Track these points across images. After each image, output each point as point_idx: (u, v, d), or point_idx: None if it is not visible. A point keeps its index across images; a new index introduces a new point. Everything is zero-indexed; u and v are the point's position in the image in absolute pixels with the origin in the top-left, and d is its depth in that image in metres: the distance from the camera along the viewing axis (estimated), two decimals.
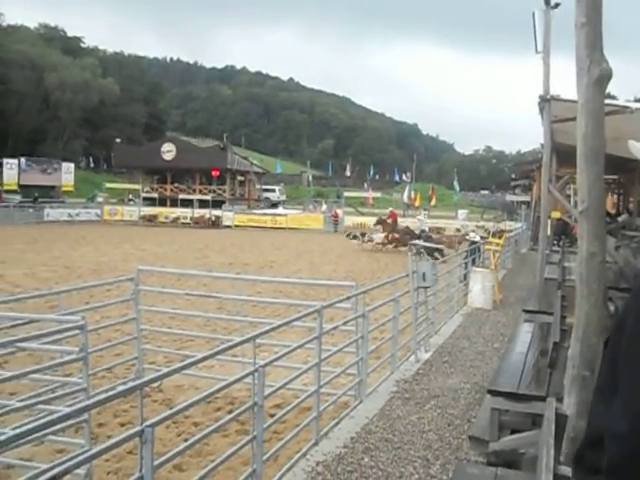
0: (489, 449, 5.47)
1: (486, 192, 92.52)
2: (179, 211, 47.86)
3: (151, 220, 45.60)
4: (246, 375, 4.74)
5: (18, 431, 2.59)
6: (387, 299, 8.87)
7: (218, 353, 4.70)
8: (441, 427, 6.75)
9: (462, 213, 51.45)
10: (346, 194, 56.82)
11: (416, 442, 6.31)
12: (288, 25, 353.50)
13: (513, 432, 5.65)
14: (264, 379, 4.67)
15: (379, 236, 29.91)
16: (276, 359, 5.31)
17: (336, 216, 45.09)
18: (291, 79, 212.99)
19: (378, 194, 59.64)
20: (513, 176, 59.98)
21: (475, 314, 13.42)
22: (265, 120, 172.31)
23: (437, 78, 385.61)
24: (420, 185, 71.12)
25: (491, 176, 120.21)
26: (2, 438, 2.46)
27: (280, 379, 6.05)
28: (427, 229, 32.54)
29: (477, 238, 19.00)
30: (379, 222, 32.28)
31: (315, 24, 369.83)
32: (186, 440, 6.31)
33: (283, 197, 68.59)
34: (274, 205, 59.61)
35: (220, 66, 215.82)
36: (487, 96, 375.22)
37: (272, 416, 5.91)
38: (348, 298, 7.36)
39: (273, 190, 68.59)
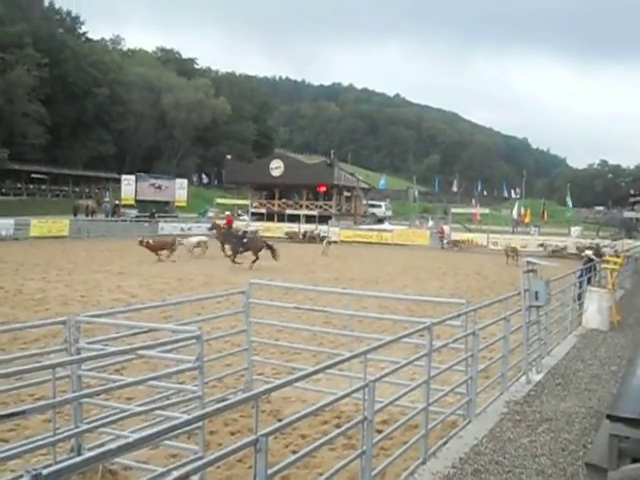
0: (608, 478, 5.20)
1: (601, 208, 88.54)
2: (286, 226, 48.71)
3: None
4: (357, 389, 4.74)
5: (144, 434, 2.71)
6: (497, 317, 8.65)
7: (329, 367, 4.73)
8: (554, 452, 6.49)
9: (575, 230, 49.41)
10: (453, 210, 56.00)
11: (528, 466, 6.09)
12: (395, 41, 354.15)
13: (634, 461, 5.34)
14: (374, 394, 4.66)
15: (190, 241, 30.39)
16: (386, 375, 5.29)
17: (442, 232, 44.46)
18: (397, 95, 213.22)
19: (486, 210, 58.32)
20: (632, 192, 57.10)
21: (590, 335, 12.84)
22: (371, 136, 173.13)
23: (549, 90, 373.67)
24: (530, 201, 68.96)
25: (606, 191, 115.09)
26: (130, 440, 2.58)
27: (386, 395, 6.02)
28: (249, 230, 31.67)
29: (592, 256, 18.21)
30: (213, 227, 32.47)
31: (422, 39, 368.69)
32: (294, 452, 6.39)
33: (389, 213, 68.41)
34: (380, 221, 59.55)
35: (327, 83, 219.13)
36: (602, 108, 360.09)
37: (379, 432, 5.87)
38: (459, 315, 7.23)
39: (379, 206, 68.55)
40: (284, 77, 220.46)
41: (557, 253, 37.38)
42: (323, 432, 7.02)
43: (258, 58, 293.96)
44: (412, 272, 26.26)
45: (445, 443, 6.54)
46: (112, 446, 2.53)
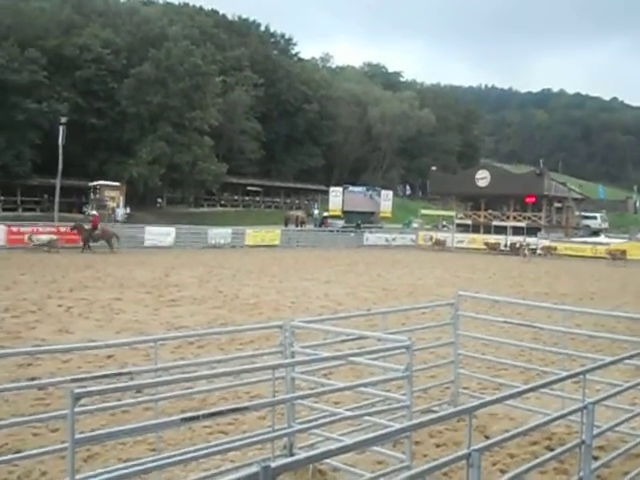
0: None
1: None
2: (493, 238, 47.48)
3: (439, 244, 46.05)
4: (574, 411, 4.49)
5: (361, 439, 2.78)
6: None
7: (544, 385, 4.52)
8: None
9: None
10: None
11: None
12: (611, 42, 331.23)
13: None
14: (594, 417, 4.38)
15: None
16: (607, 397, 4.94)
17: None
18: (614, 98, 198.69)
19: None
20: None
21: None
22: (583, 143, 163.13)
23: None
24: None
25: None
26: (349, 443, 2.66)
27: (602, 419, 5.61)
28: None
29: None
30: (74, 227, 33.02)
31: None
32: (502, 470, 6.18)
33: (605, 225, 63.94)
34: (595, 233, 55.88)
35: (535, 90, 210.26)
36: None
37: (595, 458, 5.49)
38: None
39: (594, 217, 64.34)
40: (490, 86, 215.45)
41: None
42: (532, 453, 6.71)
43: (463, 68, 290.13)
44: (632, 288, 24.30)
45: None
46: (332, 447, 2.63)
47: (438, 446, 7.24)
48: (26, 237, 30.80)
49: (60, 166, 41.67)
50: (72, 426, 3.42)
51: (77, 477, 3.57)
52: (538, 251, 42.37)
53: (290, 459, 2.50)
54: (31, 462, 6.02)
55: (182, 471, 5.80)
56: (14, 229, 32.68)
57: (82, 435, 3.76)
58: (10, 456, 5.88)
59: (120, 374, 5.10)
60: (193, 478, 5.47)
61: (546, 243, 44.11)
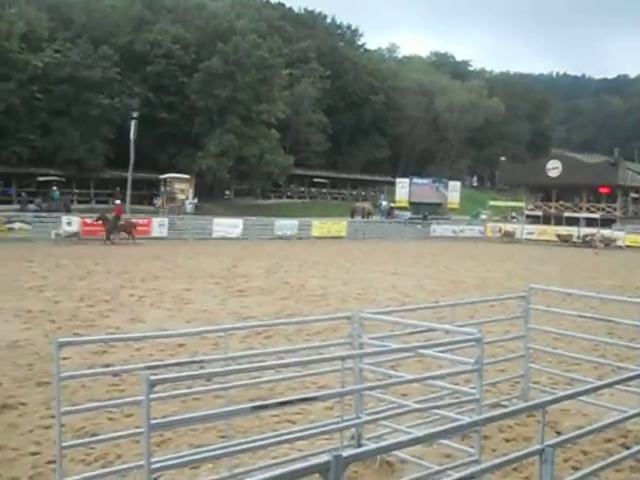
0: None
1: None
2: (564, 229, 46.26)
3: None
4: None
5: (432, 431, 2.77)
6: None
7: (620, 382, 4.38)
8: None
9: None
10: None
11: None
12: None
13: None
14: None
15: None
16: None
17: None
18: None
19: None
20: None
21: None
22: None
23: None
24: None
25: None
26: (420, 435, 2.65)
27: None
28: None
29: None
30: (99, 218, 32.49)
31: None
32: (574, 467, 6.04)
33: None
34: None
35: (611, 76, 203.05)
36: None
37: None
38: None
39: None
40: (561, 73, 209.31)
41: None
42: (606, 451, 6.53)
43: (533, 56, 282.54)
44: None
45: None
46: (403, 438, 2.62)
47: (507, 441, 7.12)
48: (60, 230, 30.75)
49: (132, 159, 42.84)
50: (148, 412, 3.52)
51: (152, 460, 3.67)
52: (617, 243, 41.08)
53: (361, 449, 2.50)
54: (107, 445, 6.23)
55: (251, 458, 5.89)
56: (88, 221, 33.76)
57: (157, 421, 3.86)
58: (87, 439, 6.11)
59: (192, 362, 5.20)
60: (262, 465, 5.55)
61: (620, 235, 42.69)
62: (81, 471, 5.71)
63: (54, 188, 45.72)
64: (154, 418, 4.07)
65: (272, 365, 5.08)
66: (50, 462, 6.03)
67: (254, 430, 6.88)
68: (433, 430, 2.84)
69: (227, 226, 38.32)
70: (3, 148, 48.08)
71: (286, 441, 5.01)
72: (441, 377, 5.87)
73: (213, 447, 5.11)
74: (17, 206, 43.78)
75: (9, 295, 15.09)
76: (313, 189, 69.49)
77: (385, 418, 5.42)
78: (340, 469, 2.26)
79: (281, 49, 62.16)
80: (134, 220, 34.19)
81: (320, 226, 41.69)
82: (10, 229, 28.41)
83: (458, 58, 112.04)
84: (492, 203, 58.14)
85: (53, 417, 6.94)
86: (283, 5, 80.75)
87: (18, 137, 48.38)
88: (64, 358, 6.98)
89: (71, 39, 51.98)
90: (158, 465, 3.74)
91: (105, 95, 50.96)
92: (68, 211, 39.36)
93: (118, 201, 36.49)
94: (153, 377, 3.55)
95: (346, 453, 2.33)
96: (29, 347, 10.24)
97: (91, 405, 6.04)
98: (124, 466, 5.50)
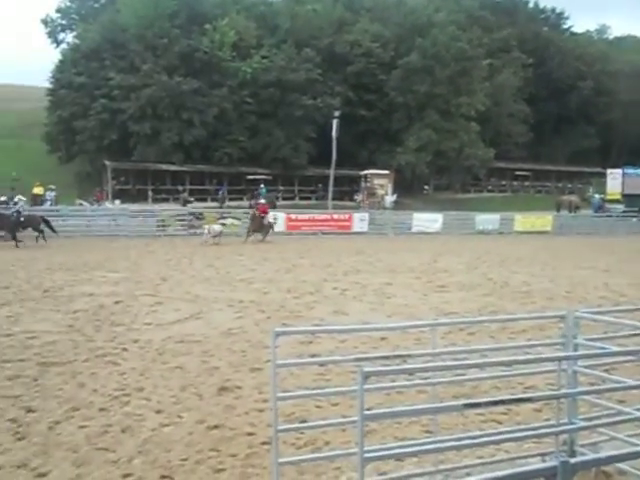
0: None
1: None
2: None
3: None
4: None
5: None
6: None
7: None
8: None
9: None
10: None
11: None
12: None
13: None
14: None
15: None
16: None
17: None
18: None
19: None
20: None
21: None
22: None
23: None
24: None
25: None
26: None
27: None
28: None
29: None
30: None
31: None
32: None
33: None
34: None
35: None
36: None
37: None
38: None
39: None
40: None
41: None
42: None
43: None
44: None
45: None
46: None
47: None
48: (205, 229, 29.14)
49: (334, 157, 44.18)
50: (362, 402, 3.60)
51: (365, 449, 3.75)
52: None
53: (591, 456, 2.35)
54: (315, 431, 6.48)
55: (455, 455, 5.81)
56: (292, 216, 35.40)
57: (371, 412, 3.94)
58: (298, 424, 6.40)
59: (398, 356, 5.24)
60: (467, 463, 5.45)
61: None
62: (292, 454, 6.01)
63: (261, 186, 48.42)
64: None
65: (487, 363, 4.93)
66: (264, 443, 6.40)
67: (458, 427, 6.80)
68: None
69: (426, 221, 38.21)
70: (216, 150, 52.10)
71: (494, 442, 4.88)
72: None
73: (420, 442, 5.12)
74: (216, 204, 46.50)
75: (223, 286, 16.26)
76: (515, 182, 67.01)
77: (603, 425, 5.07)
78: (567, 475, 2.13)
79: (481, 39, 60.60)
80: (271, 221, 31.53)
81: (523, 220, 40.14)
82: (223, 224, 30.37)
83: None
84: None
85: (265, 401, 7.42)
86: None
87: (229, 139, 52.15)
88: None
89: (276, 44, 54.79)
90: (371, 455, 3.81)
91: (308, 96, 53.07)
92: (274, 207, 41.52)
93: (263, 200, 34.15)
94: (367, 369, 3.62)
95: (574, 460, 2.21)
96: (242, 335, 10.95)
97: (305, 392, 6.33)
98: (333, 453, 5.68)
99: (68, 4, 70.11)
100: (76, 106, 50.79)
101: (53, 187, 37.47)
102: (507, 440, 5.05)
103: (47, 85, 55.43)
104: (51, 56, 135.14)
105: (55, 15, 70.80)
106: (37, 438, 6.49)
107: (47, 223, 26.86)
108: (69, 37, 68.20)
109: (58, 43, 70.39)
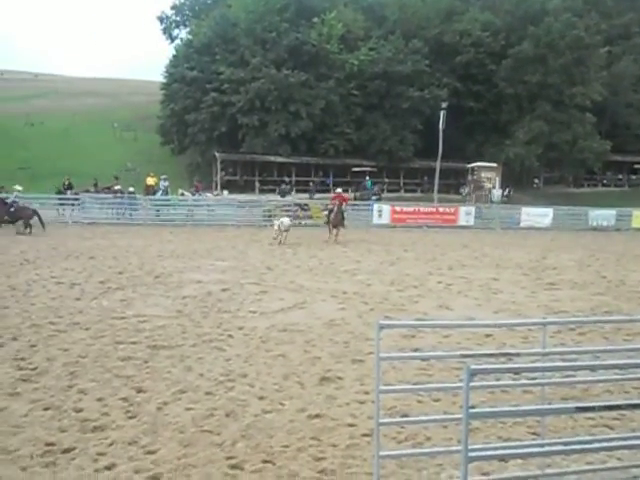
0: None
1: None
2: None
3: None
4: None
5: None
6: None
7: None
8: None
9: None
10: None
11: None
12: None
13: None
14: None
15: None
16: None
17: None
18: None
19: None
20: None
21: None
22: None
23: None
24: None
25: None
26: None
27: None
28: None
29: None
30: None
31: None
32: None
33: None
34: None
35: None
36: None
37: None
38: None
39: None
40: None
41: None
42: None
43: None
44: None
45: None
46: None
47: None
48: (275, 224, 25.07)
49: (440, 149, 43.51)
50: (467, 400, 3.51)
51: (470, 447, 3.66)
52: None
53: None
54: (416, 426, 6.42)
55: (563, 459, 5.60)
56: (397, 209, 35.18)
57: (476, 410, 3.84)
58: (400, 418, 6.35)
59: (505, 354, 5.08)
60: (576, 469, 5.23)
61: None
62: (393, 448, 5.97)
63: (367, 178, 48.37)
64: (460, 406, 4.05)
65: (600, 365, 4.69)
66: (365, 435, 6.39)
67: (566, 430, 6.54)
68: None
69: (536, 215, 36.95)
70: (321, 142, 52.51)
71: (608, 448, 4.65)
72: None
73: (525, 443, 4.95)
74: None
75: (327, 277, 16.36)
76: (633, 176, 63.51)
77: None
78: None
79: (599, 26, 57.69)
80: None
81: None
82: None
83: None
84: None
85: (367, 393, 7.42)
86: None
87: (335, 131, 52.41)
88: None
89: (384, 36, 54.45)
90: (475, 454, 3.71)
91: (415, 88, 52.48)
92: (379, 199, 41.41)
93: (339, 189, 30.38)
94: (474, 366, 3.52)
95: None
96: (344, 326, 10.98)
97: (408, 387, 6.26)
98: (435, 449, 5.60)
99: (182, 1, 72.74)
100: (188, 99, 52.58)
101: (166, 177, 38.89)
102: (621, 447, 4.80)
103: (161, 79, 57.77)
104: (166, 52, 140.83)
105: (170, 12, 73.68)
106: (147, 417, 6.77)
107: (39, 217, 26.29)
108: (183, 33, 70.93)
109: (172, 39, 73.34)
